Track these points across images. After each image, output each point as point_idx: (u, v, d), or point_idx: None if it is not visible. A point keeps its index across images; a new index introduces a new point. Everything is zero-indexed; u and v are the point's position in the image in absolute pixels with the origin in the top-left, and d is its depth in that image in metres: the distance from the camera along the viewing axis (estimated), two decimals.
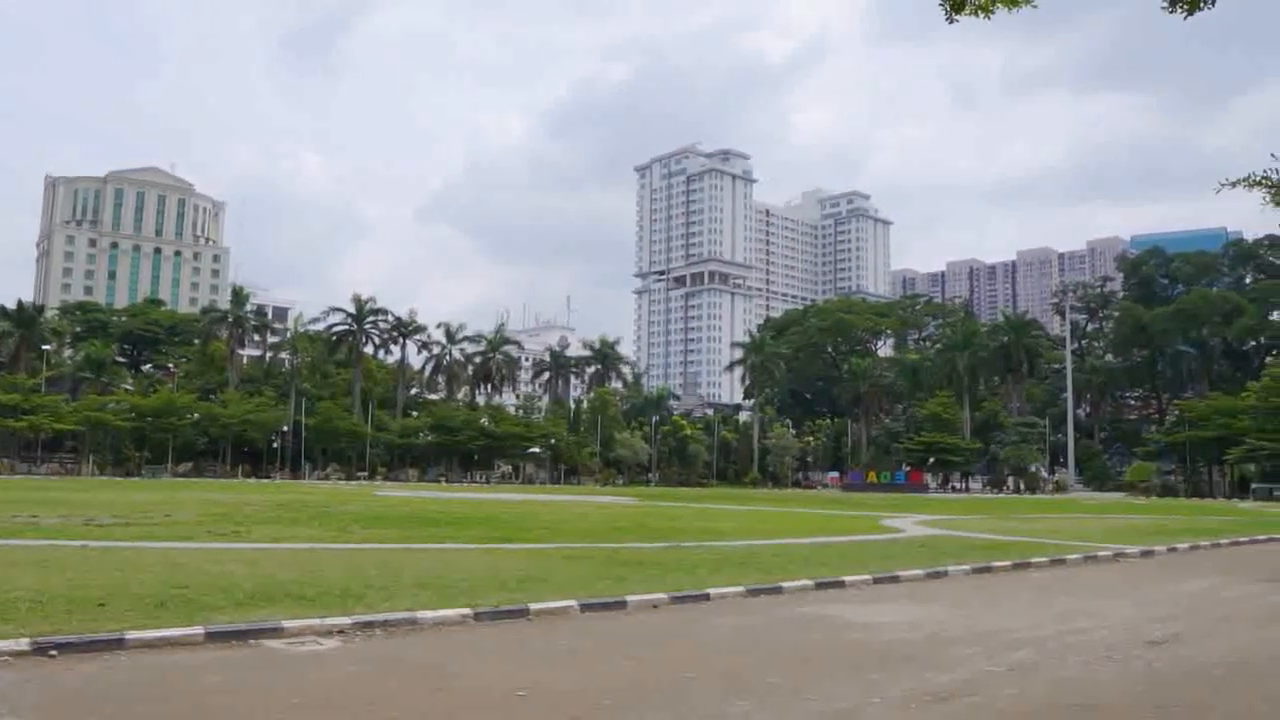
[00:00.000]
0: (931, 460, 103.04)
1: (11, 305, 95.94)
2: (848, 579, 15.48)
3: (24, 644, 8.51)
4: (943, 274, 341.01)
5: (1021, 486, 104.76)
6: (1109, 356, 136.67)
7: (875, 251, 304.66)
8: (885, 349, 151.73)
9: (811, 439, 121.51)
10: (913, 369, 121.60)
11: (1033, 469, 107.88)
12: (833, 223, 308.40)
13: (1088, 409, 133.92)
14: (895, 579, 16.11)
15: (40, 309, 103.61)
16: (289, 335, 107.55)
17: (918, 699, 7.83)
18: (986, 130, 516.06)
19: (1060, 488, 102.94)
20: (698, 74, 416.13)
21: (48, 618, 9.60)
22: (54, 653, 8.48)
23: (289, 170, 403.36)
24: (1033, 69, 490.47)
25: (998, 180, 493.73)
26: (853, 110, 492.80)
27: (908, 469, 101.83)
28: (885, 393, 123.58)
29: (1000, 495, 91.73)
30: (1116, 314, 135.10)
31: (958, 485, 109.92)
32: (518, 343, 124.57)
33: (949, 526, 31.11)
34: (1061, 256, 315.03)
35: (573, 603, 11.95)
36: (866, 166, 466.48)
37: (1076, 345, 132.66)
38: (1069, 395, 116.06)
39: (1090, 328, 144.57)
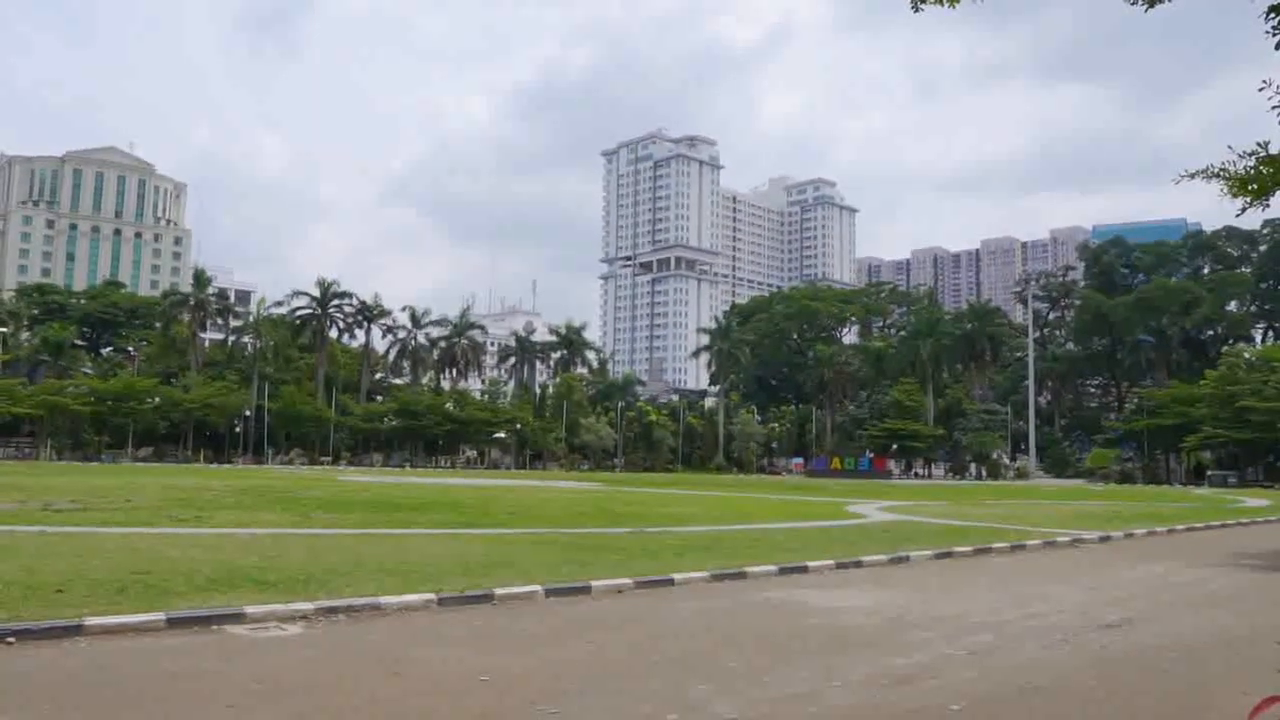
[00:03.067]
0: (895, 447, 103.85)
1: None
2: (811, 564, 15.61)
3: None
4: (907, 262, 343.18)
5: (984, 473, 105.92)
6: (1070, 345, 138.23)
7: (841, 239, 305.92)
8: (850, 336, 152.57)
9: (776, 425, 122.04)
10: (877, 356, 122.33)
11: (994, 456, 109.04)
12: (799, 210, 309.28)
13: (1049, 397, 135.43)
14: (859, 564, 16.28)
15: None
16: (252, 319, 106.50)
17: (878, 682, 7.93)
18: (949, 119, 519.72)
19: (1021, 474, 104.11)
20: (663, 59, 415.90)
21: (3, 604, 9.49)
22: (11, 640, 8.40)
23: (248, 152, 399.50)
24: (994, 59, 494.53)
25: (961, 169, 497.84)
26: (818, 98, 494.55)
27: (872, 455, 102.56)
28: (850, 379, 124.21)
29: (963, 482, 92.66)
30: (1078, 303, 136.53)
31: (921, 472, 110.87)
32: (482, 327, 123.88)
33: (912, 512, 31.41)
34: (1024, 245, 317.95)
35: (537, 588, 11.98)
36: (832, 154, 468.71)
37: (1038, 333, 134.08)
38: (1030, 383, 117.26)
39: (1052, 316, 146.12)
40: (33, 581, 10.87)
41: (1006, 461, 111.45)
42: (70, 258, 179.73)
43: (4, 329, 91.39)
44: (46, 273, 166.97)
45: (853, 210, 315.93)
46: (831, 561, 16.04)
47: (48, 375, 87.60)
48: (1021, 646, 9.66)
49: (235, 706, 6.78)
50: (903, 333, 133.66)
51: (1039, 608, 12.30)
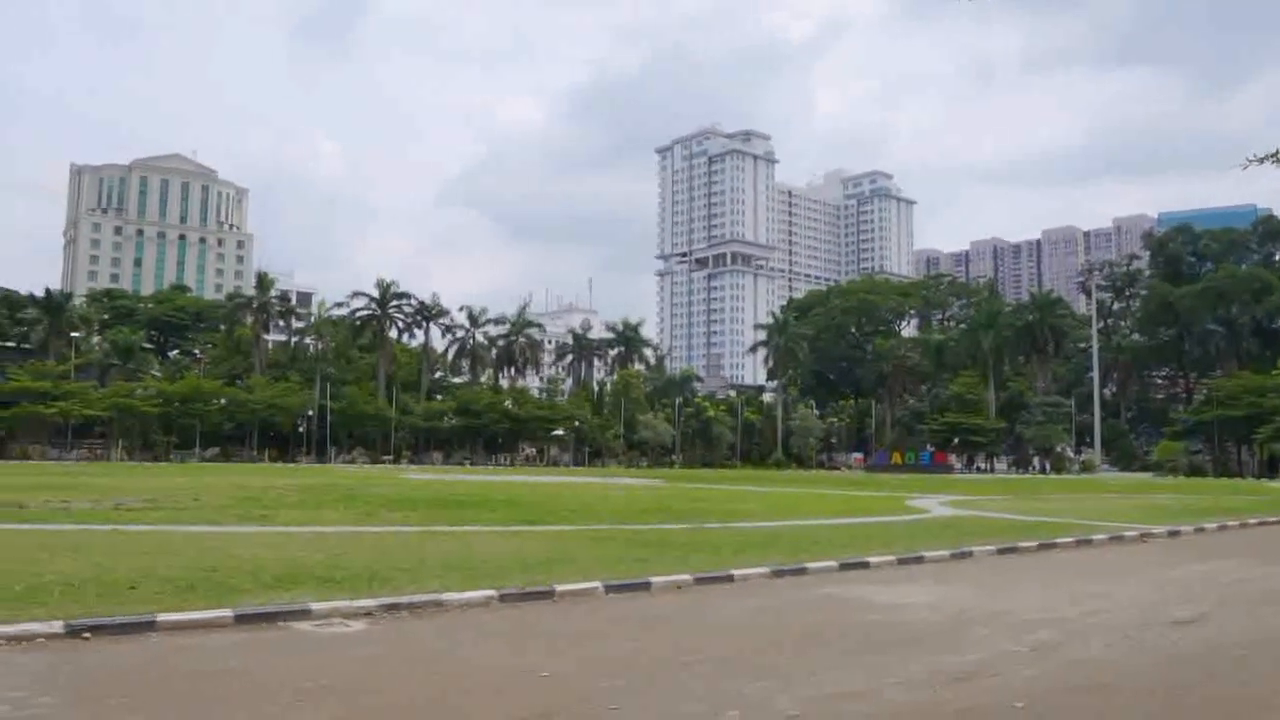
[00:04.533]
0: (956, 441, 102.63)
1: (40, 294, 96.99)
2: (872, 559, 15.50)
3: (57, 626, 8.67)
4: (966, 253, 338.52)
5: (1047, 467, 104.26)
6: (1136, 335, 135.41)
7: (898, 231, 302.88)
8: (909, 329, 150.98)
9: (835, 420, 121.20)
10: (937, 349, 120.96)
11: (1058, 449, 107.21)
12: (855, 203, 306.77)
13: (1114, 388, 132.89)
14: (920, 559, 16.11)
15: (68, 296, 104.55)
16: (313, 320, 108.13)
17: (939, 679, 7.86)
18: (1007, 108, 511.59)
19: (1086, 468, 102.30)
20: (716, 55, 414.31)
21: (79, 601, 9.76)
22: (87, 635, 8.63)
23: (306, 156, 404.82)
24: (1051, 46, 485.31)
25: (1020, 158, 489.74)
26: (873, 89, 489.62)
27: (933, 449, 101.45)
28: (909, 373, 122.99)
29: (1026, 475, 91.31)
30: (1143, 292, 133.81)
31: (983, 466, 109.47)
32: (540, 325, 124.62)
33: (974, 507, 31.04)
34: (1087, 235, 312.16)
35: (598, 584, 12.03)
36: (888, 146, 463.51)
37: (1103, 324, 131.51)
38: (1095, 374, 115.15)
39: (1116, 306, 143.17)
40: (106, 578, 11.15)
41: (1071, 455, 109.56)
42: (137, 263, 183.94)
43: (76, 333, 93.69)
44: (115, 278, 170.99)
45: (910, 202, 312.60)
46: (892, 557, 15.91)
47: (117, 378, 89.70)
48: (1086, 644, 9.51)
49: (299, 702, 6.90)
50: (962, 325, 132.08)
51: (1104, 604, 12.09)
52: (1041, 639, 9.63)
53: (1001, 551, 17.81)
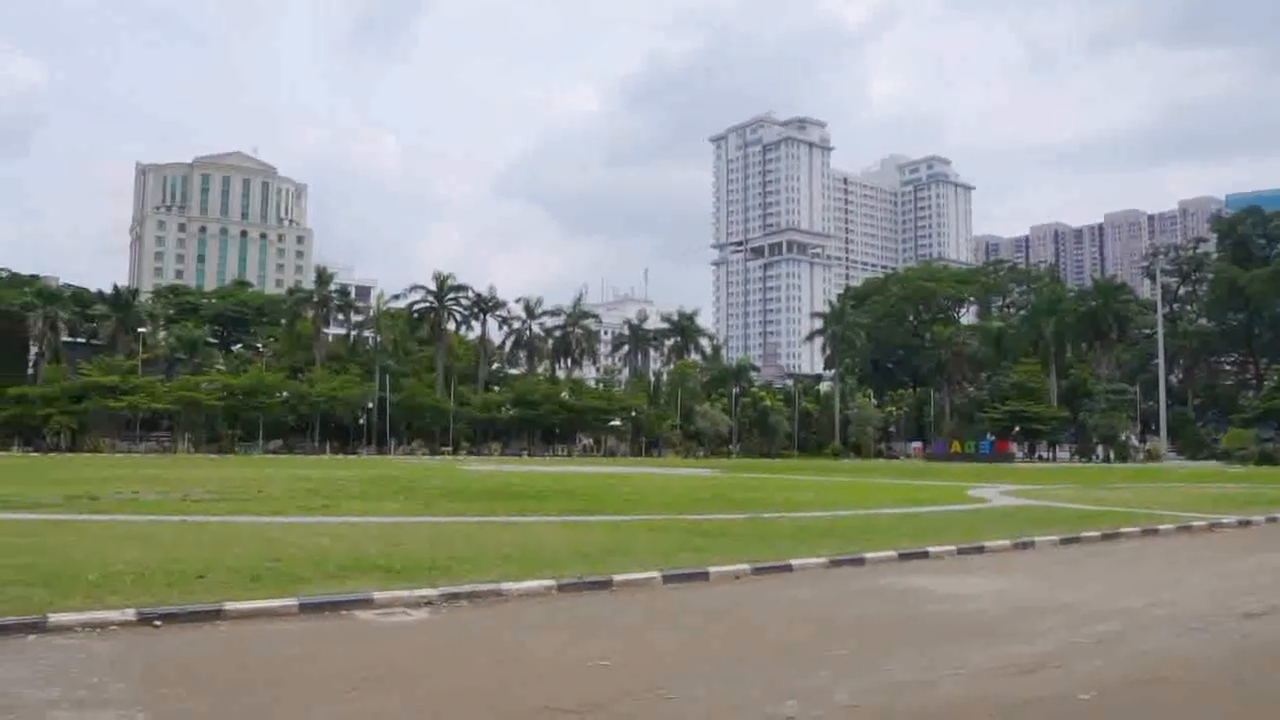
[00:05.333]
0: (1017, 429, 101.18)
1: (109, 290, 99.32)
2: (932, 549, 15.35)
3: (130, 614, 8.91)
4: (1026, 239, 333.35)
5: (1111, 455, 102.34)
6: (1203, 320, 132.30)
7: (956, 217, 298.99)
8: (968, 316, 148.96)
9: (894, 408, 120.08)
10: (997, 336, 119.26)
11: (1123, 437, 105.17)
12: (912, 189, 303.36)
13: (1180, 375, 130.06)
14: (980, 549, 15.93)
15: (135, 293, 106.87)
16: (372, 314, 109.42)
17: (1001, 670, 7.77)
18: (1067, 90, 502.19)
19: (1152, 456, 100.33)
20: (770, 42, 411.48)
21: (150, 589, 10.00)
22: (158, 623, 8.85)
23: (364, 151, 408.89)
24: (1112, 25, 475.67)
25: (1080, 141, 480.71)
26: (929, 74, 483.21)
27: (993, 438, 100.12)
28: (969, 361, 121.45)
29: (1089, 464, 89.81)
30: (1211, 276, 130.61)
31: (1045, 454, 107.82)
32: (596, 316, 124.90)
33: (1036, 496, 30.60)
34: (1151, 218, 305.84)
35: (655, 574, 12.05)
36: (945, 131, 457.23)
37: (1168, 309, 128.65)
38: (1160, 361, 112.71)
39: (1182, 291, 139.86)
40: (175, 568, 11.41)
41: (1136, 443, 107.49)
42: (201, 259, 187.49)
43: (142, 329, 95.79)
44: (179, 274, 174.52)
45: (968, 188, 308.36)
46: (952, 546, 15.74)
47: (183, 372, 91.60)
48: (1153, 635, 9.34)
49: (361, 689, 7.02)
50: (1023, 312, 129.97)
51: (1172, 595, 11.86)
52: (1107, 630, 9.48)
53: (1064, 541, 17.54)
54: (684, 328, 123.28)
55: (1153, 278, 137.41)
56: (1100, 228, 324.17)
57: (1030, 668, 7.86)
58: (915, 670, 7.75)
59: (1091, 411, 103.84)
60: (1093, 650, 8.57)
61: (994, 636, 9.13)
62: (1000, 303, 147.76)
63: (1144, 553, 16.87)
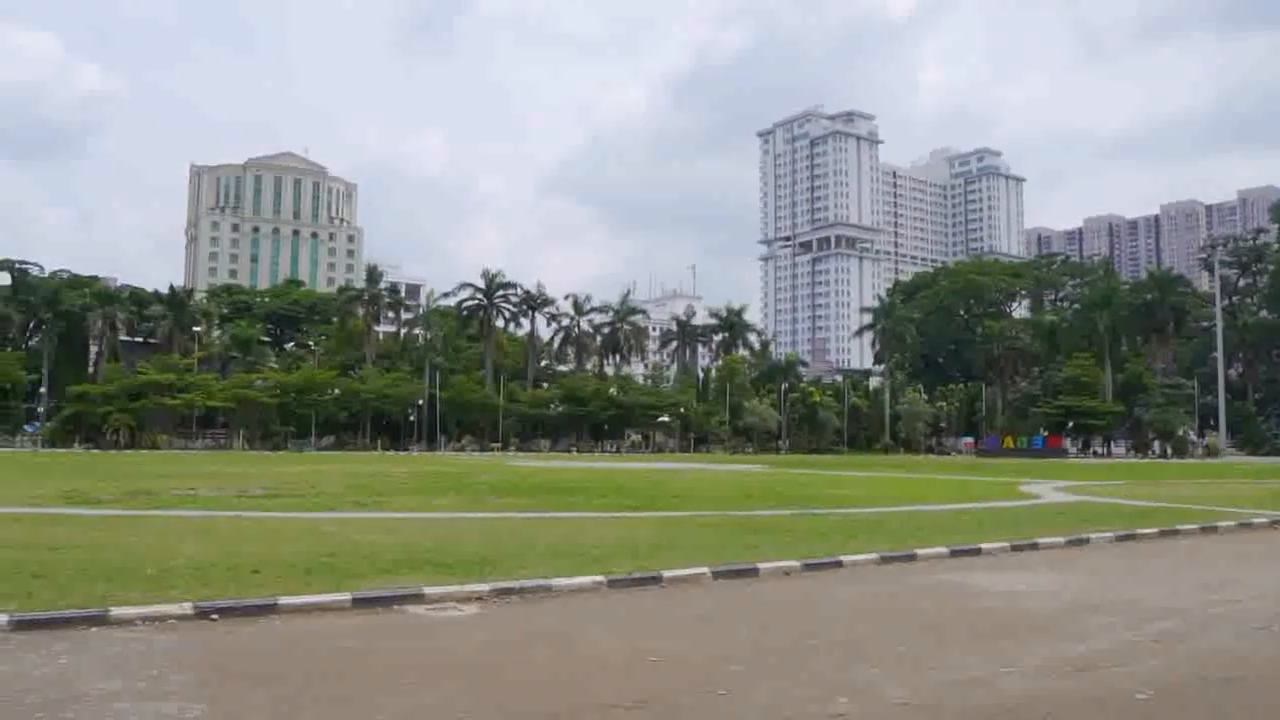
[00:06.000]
0: (1070, 425, 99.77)
1: (165, 290, 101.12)
2: (984, 546, 15.19)
3: (188, 608, 9.08)
4: (1079, 231, 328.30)
5: (1168, 451, 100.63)
6: (1264, 313, 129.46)
7: (1007, 210, 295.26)
8: (1020, 310, 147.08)
9: (944, 404, 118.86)
10: (1050, 330, 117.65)
11: (1180, 433, 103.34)
12: (962, 182, 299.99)
13: (1240, 369, 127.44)
14: (1034, 546, 15.73)
15: (190, 293, 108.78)
16: (422, 311, 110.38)
17: (1056, 668, 7.67)
18: (1120, 79, 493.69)
19: (1211, 452, 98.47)
20: (817, 35, 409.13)
21: (208, 584, 10.18)
22: (215, 616, 9.02)
23: (412, 151, 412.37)
24: (1166, 11, 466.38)
25: (1135, 131, 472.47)
26: (979, 64, 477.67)
27: (1046, 434, 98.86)
28: (1021, 355, 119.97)
29: (1145, 460, 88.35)
30: (1271, 267, 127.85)
31: (1099, 450, 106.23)
32: (644, 312, 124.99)
33: (1091, 492, 30.16)
34: (1209, 209, 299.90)
35: (705, 570, 12.04)
36: (995, 122, 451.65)
37: (1227, 302, 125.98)
38: (1219, 355, 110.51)
39: (1242, 283, 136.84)
40: (231, 563, 11.61)
41: (1194, 439, 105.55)
42: (254, 259, 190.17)
43: (198, 328, 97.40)
44: (233, 273, 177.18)
45: (1019, 180, 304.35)
46: (1005, 543, 15.56)
47: (237, 370, 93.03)
48: (1213, 634, 9.17)
49: (413, 683, 7.09)
50: (1076, 305, 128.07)
51: (1232, 593, 11.63)
52: (1165, 628, 9.32)
53: (1120, 538, 17.27)
54: (732, 323, 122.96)
55: (1211, 270, 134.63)
56: (1156, 219, 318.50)
57: (1086, 666, 7.75)
58: (970, 667, 7.67)
59: (1148, 406, 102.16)
60: (1150, 649, 8.43)
61: (1048, 634, 9.01)
62: (1053, 296, 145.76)
63: (1203, 550, 16.55)
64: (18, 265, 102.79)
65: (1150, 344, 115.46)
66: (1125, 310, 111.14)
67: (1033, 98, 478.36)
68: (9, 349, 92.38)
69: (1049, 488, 32.54)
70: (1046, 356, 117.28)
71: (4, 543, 13.14)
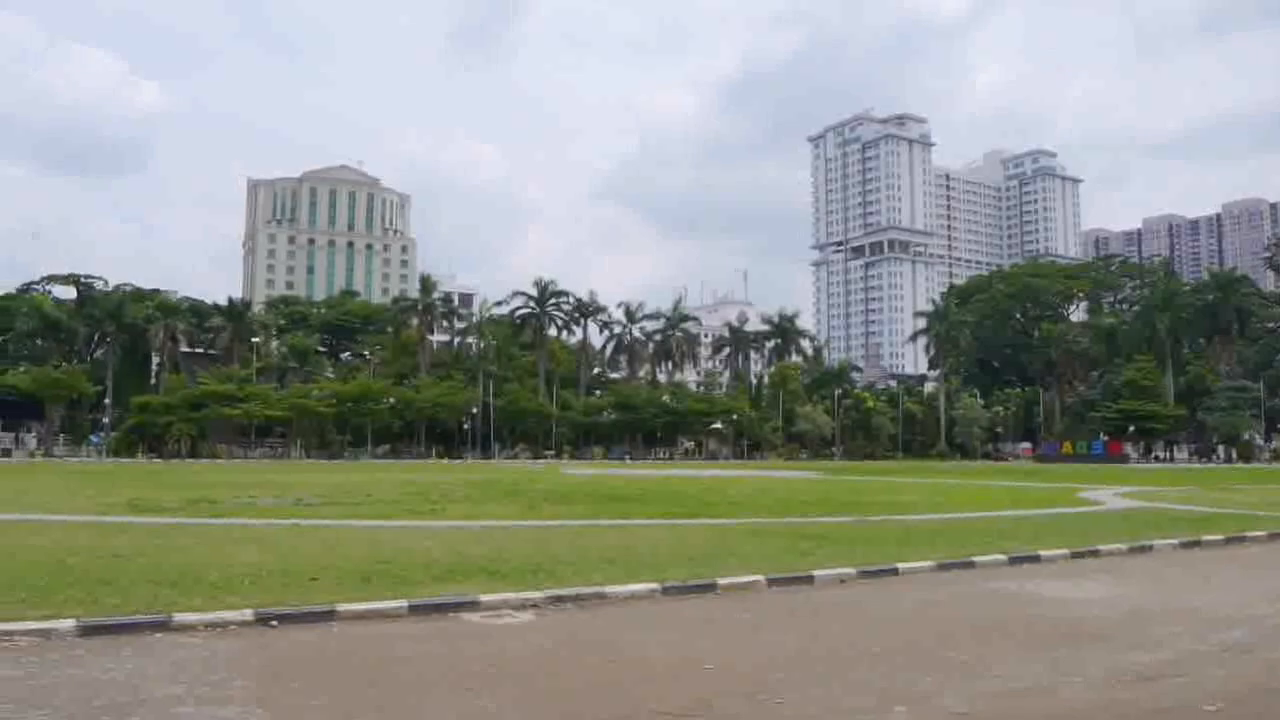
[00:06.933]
0: (1131, 429, 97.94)
1: (224, 302, 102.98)
2: (1043, 553, 14.96)
3: (248, 615, 9.23)
4: (1138, 232, 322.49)
5: (1234, 456, 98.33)
6: None
7: (1064, 211, 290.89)
8: (1078, 313, 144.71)
9: (1001, 409, 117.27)
10: (1108, 333, 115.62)
11: (1246, 437, 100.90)
12: (1017, 183, 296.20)
13: None
14: (1095, 553, 15.48)
15: (248, 304, 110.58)
16: (475, 320, 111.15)
17: (1119, 678, 7.53)
18: (1178, 76, 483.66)
19: (1278, 456, 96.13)
20: (867, 37, 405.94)
21: (267, 590, 10.33)
22: (274, 623, 9.16)
23: (463, 160, 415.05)
24: (1226, 6, 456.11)
25: (1194, 129, 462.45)
26: (1033, 64, 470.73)
27: (1106, 439, 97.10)
28: (1079, 359, 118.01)
29: (1210, 465, 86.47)
30: None
31: (1161, 455, 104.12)
32: (696, 319, 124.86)
33: (1153, 499, 29.56)
34: (1273, 206, 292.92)
35: (759, 577, 11.99)
36: (1050, 122, 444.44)
37: None
38: None
39: None
40: (289, 570, 11.78)
41: (1260, 443, 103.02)
42: (310, 270, 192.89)
43: (256, 339, 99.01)
44: (290, 285, 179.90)
45: (1075, 180, 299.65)
46: (1065, 550, 15.31)
47: (294, 381, 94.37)
48: None
49: (469, 689, 7.13)
50: (1135, 308, 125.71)
51: None
52: (1233, 639, 9.10)
53: (1184, 545, 16.91)
54: (784, 329, 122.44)
55: (1276, 269, 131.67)
56: (1217, 218, 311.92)
57: (1150, 676, 7.60)
58: (1029, 677, 7.56)
59: (1211, 410, 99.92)
60: (1218, 659, 8.24)
61: (1111, 643, 8.85)
62: (1112, 299, 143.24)
63: (1271, 557, 16.17)
64: (82, 279, 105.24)
65: (1213, 346, 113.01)
66: (1186, 312, 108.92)
67: (1087, 97, 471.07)
68: (74, 361, 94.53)
69: (1110, 494, 31.96)
70: (1105, 360, 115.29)
71: (72, 550, 13.44)
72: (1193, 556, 16.02)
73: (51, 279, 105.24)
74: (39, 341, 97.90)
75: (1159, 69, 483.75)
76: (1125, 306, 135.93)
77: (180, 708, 6.50)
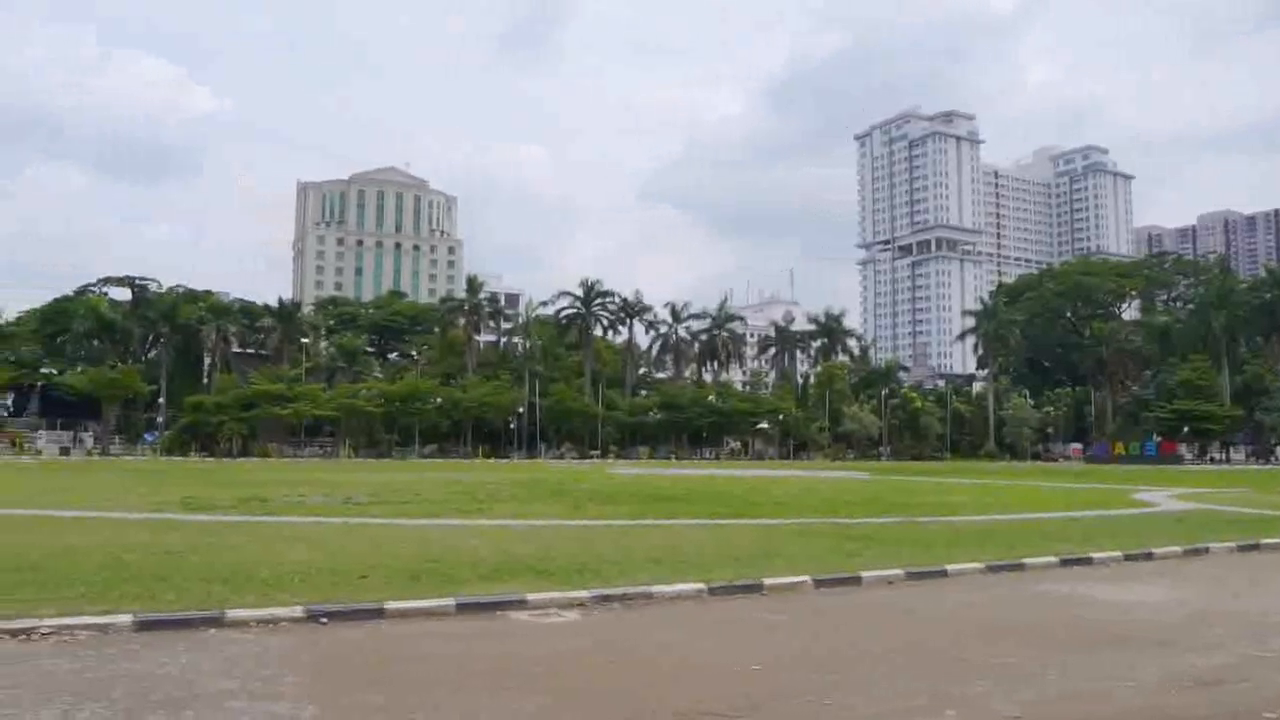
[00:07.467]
0: (1186, 430, 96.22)
1: (274, 304, 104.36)
2: (1096, 555, 14.73)
3: (298, 611, 9.35)
4: (1193, 229, 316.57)
5: None
6: None
7: (1116, 208, 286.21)
8: (1130, 311, 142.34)
9: (1051, 409, 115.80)
10: (1162, 331, 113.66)
11: None
12: (1068, 180, 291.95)
13: None
14: (1149, 556, 15.21)
15: (297, 305, 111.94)
16: (521, 320, 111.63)
17: (1176, 683, 7.39)
18: (1234, 69, 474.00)
19: None
20: (914, 34, 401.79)
21: (316, 588, 10.44)
22: (324, 620, 9.25)
23: (510, 161, 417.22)
24: None
25: (1251, 123, 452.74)
26: (1084, 59, 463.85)
27: (1159, 439, 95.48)
28: (1132, 358, 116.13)
29: (1267, 467, 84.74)
30: None
31: (1216, 456, 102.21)
32: (741, 318, 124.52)
33: (1209, 500, 29.01)
34: None
35: (806, 578, 11.92)
36: (1101, 118, 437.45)
37: None
38: None
39: None
40: (338, 568, 11.90)
41: None
42: (358, 272, 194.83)
43: (305, 339, 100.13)
44: (339, 286, 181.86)
45: (1127, 177, 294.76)
46: (1118, 553, 15.06)
47: (344, 381, 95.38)
48: None
49: (516, 688, 7.15)
50: (1190, 305, 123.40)
51: None
52: None
53: (1242, 549, 16.58)
54: (830, 329, 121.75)
55: None
56: (1275, 214, 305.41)
57: (1208, 681, 7.46)
58: (1081, 680, 7.44)
59: (1269, 410, 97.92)
60: (1278, 665, 8.06)
61: (1167, 647, 8.69)
62: (1166, 297, 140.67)
63: None
64: (137, 281, 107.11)
65: (1271, 344, 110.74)
66: (1243, 310, 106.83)
67: (1142, 92, 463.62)
68: (129, 362, 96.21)
69: (1164, 495, 31.42)
70: (1159, 359, 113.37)
71: (128, 547, 13.68)
72: (1251, 560, 15.71)
73: (107, 281, 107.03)
74: (95, 342, 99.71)
75: (1211, 63, 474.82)
76: (1179, 304, 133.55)
77: (233, 702, 6.59)
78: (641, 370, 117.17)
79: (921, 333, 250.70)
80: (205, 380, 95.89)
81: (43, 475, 39.39)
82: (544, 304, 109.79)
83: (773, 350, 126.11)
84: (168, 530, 16.54)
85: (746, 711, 6.56)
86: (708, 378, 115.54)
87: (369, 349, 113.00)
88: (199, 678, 7.20)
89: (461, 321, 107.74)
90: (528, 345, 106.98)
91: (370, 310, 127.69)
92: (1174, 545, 16.09)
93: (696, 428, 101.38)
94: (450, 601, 9.97)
